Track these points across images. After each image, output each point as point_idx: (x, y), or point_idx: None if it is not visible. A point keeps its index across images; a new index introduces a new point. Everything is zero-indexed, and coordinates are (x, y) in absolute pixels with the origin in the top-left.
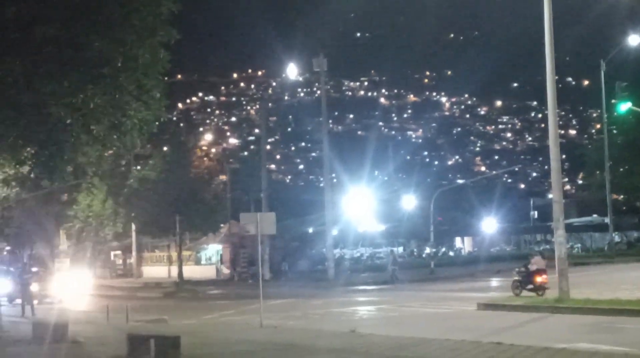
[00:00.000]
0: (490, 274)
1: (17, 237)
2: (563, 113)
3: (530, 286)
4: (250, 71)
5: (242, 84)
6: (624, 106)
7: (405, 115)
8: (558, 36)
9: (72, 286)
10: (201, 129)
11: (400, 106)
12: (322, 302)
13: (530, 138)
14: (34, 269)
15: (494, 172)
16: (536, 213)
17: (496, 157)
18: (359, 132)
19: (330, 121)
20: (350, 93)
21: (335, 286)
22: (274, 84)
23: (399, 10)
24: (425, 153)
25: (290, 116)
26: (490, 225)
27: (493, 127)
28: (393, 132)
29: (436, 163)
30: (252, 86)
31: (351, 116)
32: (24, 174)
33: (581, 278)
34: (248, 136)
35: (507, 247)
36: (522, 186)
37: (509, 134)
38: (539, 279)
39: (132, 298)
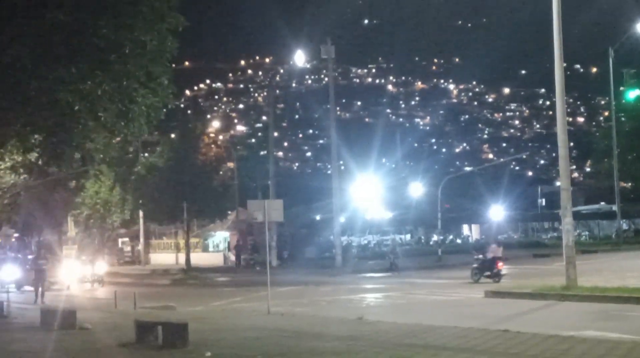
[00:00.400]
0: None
1: (25, 224)
2: (571, 100)
3: (488, 273)
4: (257, 57)
5: (249, 71)
6: (633, 93)
7: (413, 102)
8: (566, 23)
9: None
10: (209, 116)
11: (408, 93)
12: (330, 289)
13: (538, 126)
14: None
15: (502, 159)
16: (544, 200)
17: (504, 144)
18: (367, 120)
19: (338, 108)
20: (358, 80)
21: (342, 273)
22: (282, 71)
23: None
24: (433, 140)
25: (297, 103)
26: (497, 212)
27: (501, 114)
28: (401, 119)
29: (444, 150)
30: (260, 73)
31: (359, 103)
32: (31, 161)
33: (589, 265)
34: (256, 123)
35: (514, 235)
36: (530, 173)
37: (516, 122)
38: (495, 266)
39: (139, 285)
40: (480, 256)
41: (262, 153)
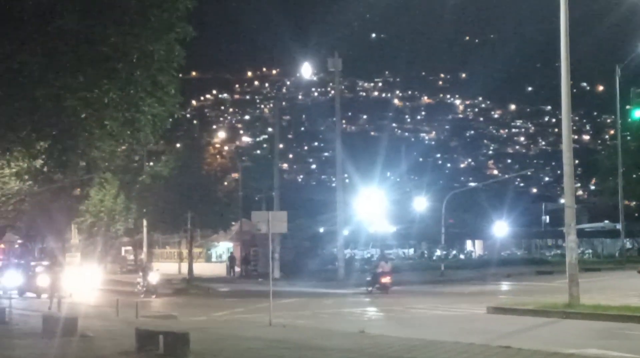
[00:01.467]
0: (501, 278)
1: (28, 231)
2: (577, 118)
3: (377, 285)
4: (264, 69)
5: (256, 83)
6: (639, 112)
7: (418, 117)
8: (574, 40)
9: (83, 281)
10: (214, 126)
11: (413, 107)
12: (332, 302)
13: (543, 143)
14: (46, 263)
15: (507, 176)
16: (548, 217)
17: (509, 161)
18: (372, 133)
19: (344, 121)
20: (364, 94)
21: (345, 286)
22: (288, 83)
23: (414, 12)
24: (438, 155)
25: (303, 116)
26: (501, 228)
27: (506, 130)
28: (406, 133)
29: (449, 165)
30: (266, 84)
31: (364, 116)
32: (37, 167)
33: (592, 283)
34: (261, 135)
35: (518, 251)
36: (535, 190)
37: (522, 138)
38: (383, 280)
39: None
40: (373, 271)
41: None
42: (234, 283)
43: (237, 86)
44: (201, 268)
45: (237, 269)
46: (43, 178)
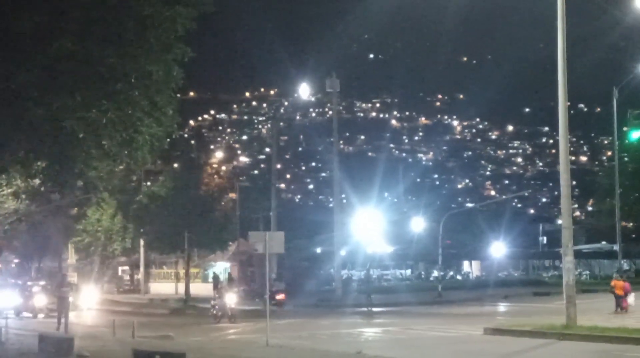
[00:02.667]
0: (498, 299)
1: (25, 250)
2: (574, 139)
3: (274, 301)
4: (262, 89)
5: (254, 103)
6: (636, 134)
7: (416, 137)
8: (571, 62)
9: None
10: (212, 146)
11: (411, 128)
12: (329, 322)
13: (540, 163)
14: (42, 282)
15: (504, 196)
16: (545, 238)
17: (506, 181)
18: (370, 154)
19: (341, 142)
20: (361, 114)
21: (342, 306)
22: (286, 103)
23: (412, 33)
24: (435, 175)
25: (301, 136)
26: (498, 249)
27: (504, 151)
28: (403, 154)
29: (446, 186)
30: (264, 104)
31: (362, 137)
32: (34, 187)
33: (589, 305)
34: (259, 155)
35: (515, 272)
36: (532, 211)
37: (519, 159)
38: (277, 297)
39: (138, 314)
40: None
41: (264, 184)
42: None
43: (234, 106)
44: (198, 288)
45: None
46: (40, 198)
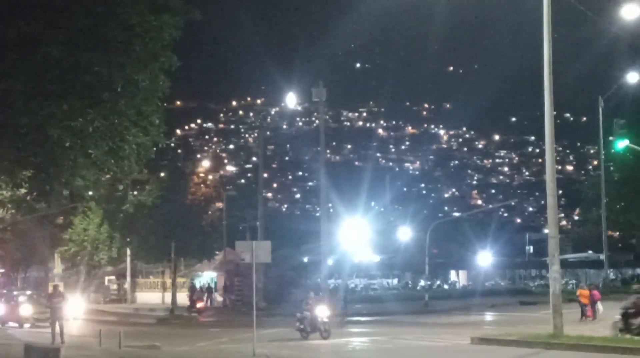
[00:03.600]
0: (485, 308)
1: (11, 259)
2: (560, 149)
3: (194, 308)
4: (249, 99)
5: (240, 112)
6: (622, 143)
7: (402, 147)
8: (557, 72)
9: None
10: (199, 155)
11: (398, 137)
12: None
13: (527, 173)
14: (28, 292)
15: (490, 206)
16: (531, 247)
17: (493, 191)
18: (356, 163)
19: (328, 151)
20: (348, 123)
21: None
22: (273, 112)
23: (399, 42)
24: (422, 185)
25: (288, 145)
26: (485, 258)
27: (490, 161)
28: (390, 163)
29: (433, 195)
30: (251, 114)
31: (349, 146)
32: (20, 196)
33: (575, 314)
34: (245, 164)
35: (502, 281)
36: (518, 220)
37: (506, 168)
38: (197, 304)
39: (125, 323)
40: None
41: (251, 193)
42: (217, 313)
43: (221, 115)
44: (185, 298)
45: (220, 298)
46: (26, 207)
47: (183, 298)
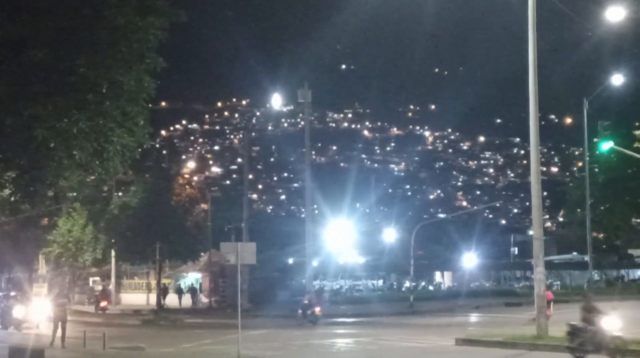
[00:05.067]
0: (469, 309)
1: None
2: (545, 150)
3: (99, 308)
4: (234, 100)
5: (226, 113)
6: (606, 145)
7: (388, 148)
8: (542, 74)
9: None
10: (184, 157)
11: (383, 138)
12: (301, 333)
13: (512, 174)
14: (13, 293)
15: (475, 207)
16: (516, 249)
17: (478, 192)
18: (342, 164)
19: (313, 152)
20: (333, 125)
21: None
22: (258, 113)
23: (384, 44)
24: (407, 186)
25: (273, 146)
26: (470, 260)
27: (475, 162)
28: (375, 165)
29: (418, 196)
30: (236, 115)
31: (334, 147)
32: (4, 198)
33: (560, 315)
34: (230, 165)
35: (486, 283)
36: (503, 221)
37: (491, 170)
38: (101, 303)
39: (109, 325)
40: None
41: (236, 195)
42: (202, 315)
43: (206, 116)
44: (169, 299)
45: (205, 300)
46: (11, 208)
47: (168, 299)
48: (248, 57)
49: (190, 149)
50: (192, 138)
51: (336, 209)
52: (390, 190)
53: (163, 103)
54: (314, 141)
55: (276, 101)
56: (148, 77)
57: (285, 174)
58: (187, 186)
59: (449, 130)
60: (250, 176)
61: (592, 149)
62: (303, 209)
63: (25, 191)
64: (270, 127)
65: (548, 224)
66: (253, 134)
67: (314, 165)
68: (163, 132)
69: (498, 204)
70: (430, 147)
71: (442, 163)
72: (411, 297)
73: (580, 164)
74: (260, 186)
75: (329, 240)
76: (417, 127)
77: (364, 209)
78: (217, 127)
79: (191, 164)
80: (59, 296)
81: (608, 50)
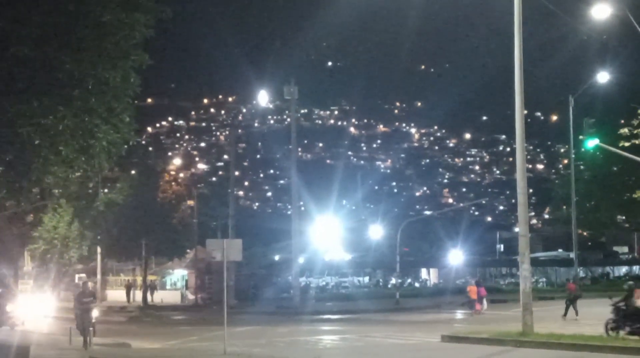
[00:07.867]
0: (455, 306)
1: None
2: (531, 147)
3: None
4: (220, 96)
5: (212, 110)
6: (592, 142)
7: (374, 145)
8: (528, 71)
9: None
10: (170, 153)
11: (369, 135)
12: (287, 330)
13: (497, 171)
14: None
15: (461, 204)
16: (502, 246)
17: (464, 189)
18: (328, 161)
19: (300, 149)
20: (320, 122)
21: (300, 314)
22: (244, 110)
23: (370, 41)
24: (394, 183)
25: (259, 143)
26: (456, 256)
27: (461, 159)
28: (362, 161)
29: (404, 193)
30: (223, 111)
31: (320, 144)
32: None
33: (545, 312)
34: (217, 162)
35: (472, 280)
36: (489, 218)
37: (477, 167)
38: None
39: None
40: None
41: (222, 191)
42: (188, 311)
43: (193, 113)
44: (155, 296)
45: (191, 297)
46: None
47: (153, 296)
48: (234, 54)
49: (177, 145)
50: (178, 134)
51: (322, 206)
52: (376, 187)
53: (149, 100)
54: (300, 137)
55: (262, 98)
56: (134, 74)
57: (272, 171)
58: (173, 183)
59: (435, 127)
60: (237, 173)
61: (577, 147)
62: (289, 206)
63: (11, 187)
64: (256, 124)
65: (534, 221)
66: (239, 130)
67: (301, 162)
68: (149, 129)
69: (484, 202)
70: (416, 144)
71: (428, 160)
72: (397, 294)
73: (565, 161)
74: (246, 183)
75: (315, 237)
76: (404, 125)
77: (351, 206)
78: (204, 124)
79: (177, 161)
80: (85, 294)
81: (594, 48)
